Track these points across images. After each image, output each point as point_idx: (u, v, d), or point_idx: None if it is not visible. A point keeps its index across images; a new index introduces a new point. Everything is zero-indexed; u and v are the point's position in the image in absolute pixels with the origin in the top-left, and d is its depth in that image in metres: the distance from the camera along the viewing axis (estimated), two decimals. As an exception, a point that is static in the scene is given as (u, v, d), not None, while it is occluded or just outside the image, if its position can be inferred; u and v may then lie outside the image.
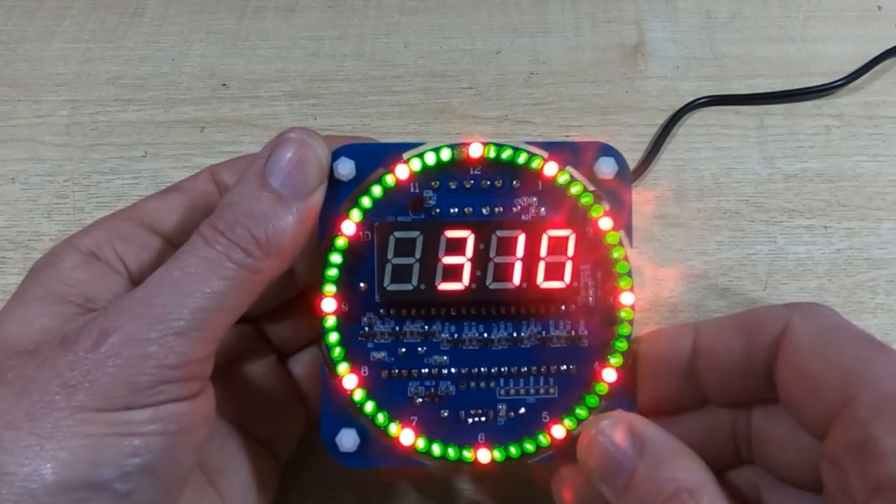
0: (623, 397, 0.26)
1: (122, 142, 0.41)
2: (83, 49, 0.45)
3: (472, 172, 0.27)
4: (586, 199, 0.26)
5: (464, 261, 0.26)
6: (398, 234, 0.26)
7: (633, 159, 0.39)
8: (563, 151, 0.27)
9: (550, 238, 0.26)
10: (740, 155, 0.40)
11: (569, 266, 0.26)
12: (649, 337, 0.27)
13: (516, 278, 0.26)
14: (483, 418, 0.27)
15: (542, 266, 0.26)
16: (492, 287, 0.26)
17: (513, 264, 0.26)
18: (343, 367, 0.26)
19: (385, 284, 0.26)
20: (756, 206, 0.38)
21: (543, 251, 0.26)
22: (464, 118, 0.41)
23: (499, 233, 0.26)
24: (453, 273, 0.26)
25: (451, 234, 0.26)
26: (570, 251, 0.26)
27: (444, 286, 0.26)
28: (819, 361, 0.23)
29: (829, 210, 0.38)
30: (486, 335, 0.27)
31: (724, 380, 0.25)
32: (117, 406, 0.21)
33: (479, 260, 0.26)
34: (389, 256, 0.26)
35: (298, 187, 0.24)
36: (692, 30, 0.45)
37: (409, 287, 0.26)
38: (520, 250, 0.26)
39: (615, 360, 0.26)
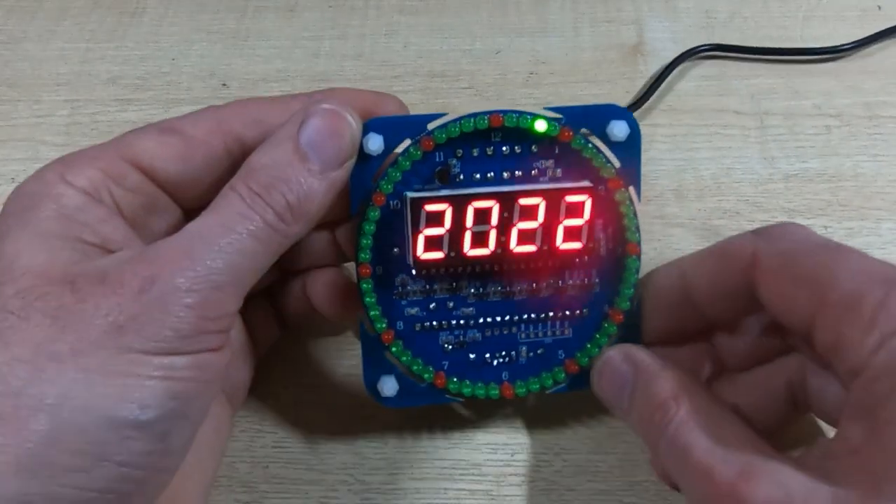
0: (630, 333, 0.29)
1: (122, 142, 0.41)
2: (83, 49, 0.45)
3: (493, 140, 0.28)
4: (599, 161, 0.28)
5: (489, 228, 0.28)
6: (429, 207, 0.28)
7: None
8: (578, 115, 0.28)
9: (568, 204, 0.28)
10: (740, 155, 0.40)
11: (585, 228, 0.29)
12: (646, 278, 0.30)
13: (537, 241, 0.28)
14: (506, 359, 0.30)
15: (560, 230, 0.28)
16: (515, 251, 0.28)
17: (534, 230, 0.28)
18: (380, 324, 0.28)
19: (418, 253, 0.28)
20: (756, 206, 0.38)
21: (562, 215, 0.28)
22: (464, 118, 0.41)
23: (521, 201, 0.28)
24: (480, 239, 0.28)
25: (478, 204, 0.28)
26: (587, 215, 0.28)
27: (472, 252, 0.28)
28: (787, 279, 0.24)
29: (829, 210, 0.38)
30: (508, 288, 0.29)
31: (715, 305, 0.27)
32: (163, 350, 0.22)
33: (504, 226, 0.28)
34: (421, 228, 0.28)
35: (331, 158, 0.25)
36: (692, 30, 0.45)
37: (440, 255, 0.28)
38: (540, 216, 0.28)
39: (623, 304, 0.29)
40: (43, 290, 0.22)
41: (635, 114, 0.41)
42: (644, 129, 0.41)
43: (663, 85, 0.42)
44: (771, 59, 0.44)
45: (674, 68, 0.42)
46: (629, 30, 0.46)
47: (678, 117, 0.42)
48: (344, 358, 0.33)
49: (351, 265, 0.29)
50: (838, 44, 0.44)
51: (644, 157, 0.29)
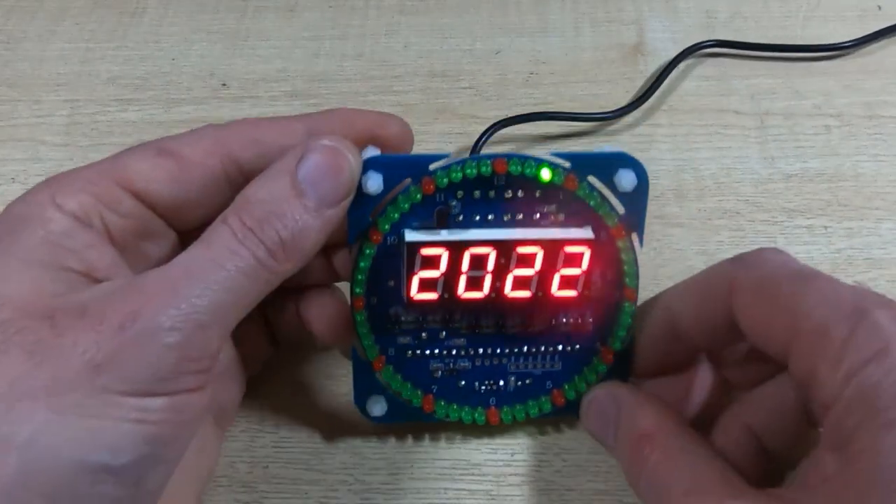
0: (619, 367, 0.29)
1: (122, 142, 0.41)
2: (83, 49, 0.45)
3: (496, 183, 0.27)
4: (603, 210, 0.27)
5: (485, 273, 0.28)
6: (425, 251, 0.27)
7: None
8: (585, 163, 0.27)
9: (567, 254, 0.28)
10: (740, 155, 0.40)
11: (582, 278, 0.28)
12: (636, 312, 0.29)
13: (532, 288, 0.28)
14: (494, 387, 0.30)
15: (556, 278, 0.28)
16: (509, 296, 0.28)
17: (530, 277, 0.28)
18: (372, 353, 0.29)
19: (412, 294, 0.28)
20: (756, 206, 0.38)
21: (559, 265, 0.28)
22: (464, 118, 0.41)
23: (519, 249, 0.27)
24: (475, 283, 0.28)
25: (475, 251, 0.27)
26: (585, 265, 0.28)
27: (467, 295, 0.28)
28: (763, 307, 0.24)
29: (829, 210, 0.38)
30: (500, 324, 0.29)
31: (702, 335, 0.27)
32: (139, 392, 0.21)
33: (499, 272, 0.28)
34: (416, 269, 0.27)
35: (328, 195, 0.24)
36: (692, 30, 0.45)
37: (433, 296, 0.28)
38: (538, 264, 0.28)
39: (615, 345, 0.29)
40: (21, 323, 0.21)
41: (635, 113, 0.41)
42: (644, 129, 0.41)
43: (663, 85, 0.42)
44: (771, 56, 0.44)
45: (675, 65, 0.43)
46: (629, 30, 0.46)
47: (678, 117, 0.42)
48: (343, 358, 0.33)
49: (346, 284, 0.29)
50: (838, 41, 0.44)
51: (644, 156, 0.28)
